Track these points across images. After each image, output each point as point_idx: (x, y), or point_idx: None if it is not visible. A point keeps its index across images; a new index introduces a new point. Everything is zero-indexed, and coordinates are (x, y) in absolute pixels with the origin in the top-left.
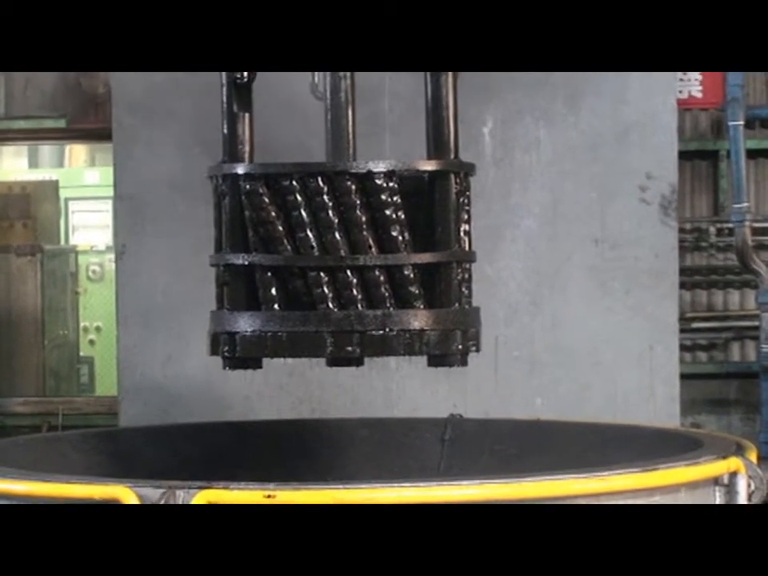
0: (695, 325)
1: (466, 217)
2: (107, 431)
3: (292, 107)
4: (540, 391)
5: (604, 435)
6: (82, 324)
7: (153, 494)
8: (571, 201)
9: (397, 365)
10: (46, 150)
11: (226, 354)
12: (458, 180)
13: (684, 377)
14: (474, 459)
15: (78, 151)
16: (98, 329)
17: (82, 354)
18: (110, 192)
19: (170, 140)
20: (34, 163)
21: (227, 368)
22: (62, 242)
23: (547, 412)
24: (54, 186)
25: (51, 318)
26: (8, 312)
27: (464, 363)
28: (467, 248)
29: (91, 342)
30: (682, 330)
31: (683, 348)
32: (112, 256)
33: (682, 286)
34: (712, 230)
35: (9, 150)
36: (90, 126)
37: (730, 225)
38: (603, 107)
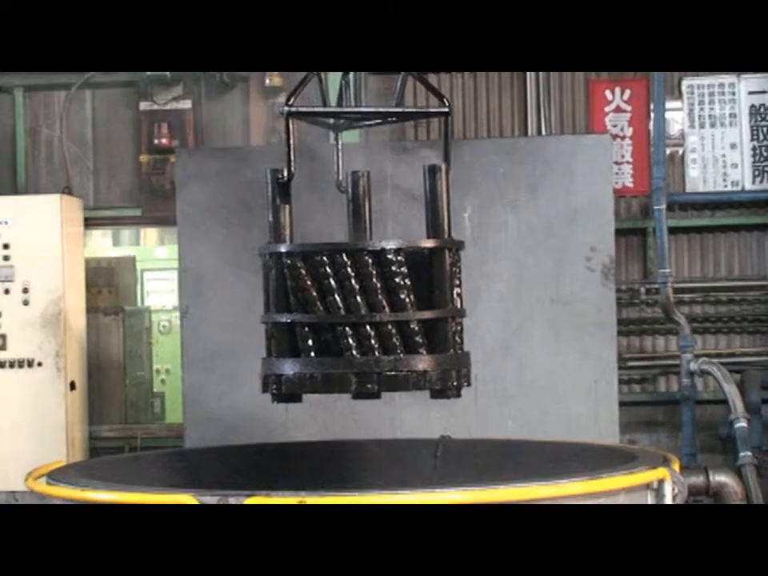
0: (630, 364)
1: (457, 282)
2: (176, 451)
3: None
4: (511, 416)
5: (561, 450)
6: (155, 367)
7: (210, 500)
8: (532, 269)
9: (399, 397)
10: (126, 232)
11: (274, 391)
12: (451, 254)
13: (622, 404)
14: (460, 470)
15: (150, 233)
16: (167, 371)
17: (155, 390)
18: (176, 264)
19: (220, 225)
20: (116, 242)
21: (275, 402)
22: (138, 303)
23: (516, 432)
24: (132, 260)
25: (131, 363)
26: (97, 359)
27: (458, 395)
28: (459, 306)
29: (162, 381)
30: (620, 368)
31: (621, 382)
32: (178, 314)
33: (620, 333)
34: (642, 290)
35: (97, 233)
36: (159, 214)
37: (657, 286)
38: (556, 196)
